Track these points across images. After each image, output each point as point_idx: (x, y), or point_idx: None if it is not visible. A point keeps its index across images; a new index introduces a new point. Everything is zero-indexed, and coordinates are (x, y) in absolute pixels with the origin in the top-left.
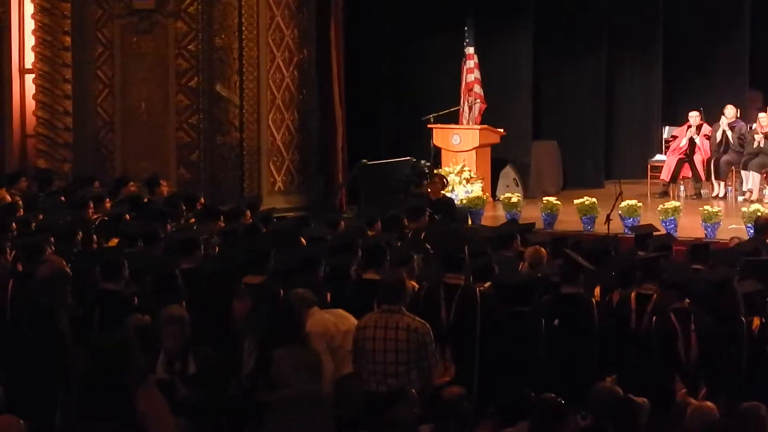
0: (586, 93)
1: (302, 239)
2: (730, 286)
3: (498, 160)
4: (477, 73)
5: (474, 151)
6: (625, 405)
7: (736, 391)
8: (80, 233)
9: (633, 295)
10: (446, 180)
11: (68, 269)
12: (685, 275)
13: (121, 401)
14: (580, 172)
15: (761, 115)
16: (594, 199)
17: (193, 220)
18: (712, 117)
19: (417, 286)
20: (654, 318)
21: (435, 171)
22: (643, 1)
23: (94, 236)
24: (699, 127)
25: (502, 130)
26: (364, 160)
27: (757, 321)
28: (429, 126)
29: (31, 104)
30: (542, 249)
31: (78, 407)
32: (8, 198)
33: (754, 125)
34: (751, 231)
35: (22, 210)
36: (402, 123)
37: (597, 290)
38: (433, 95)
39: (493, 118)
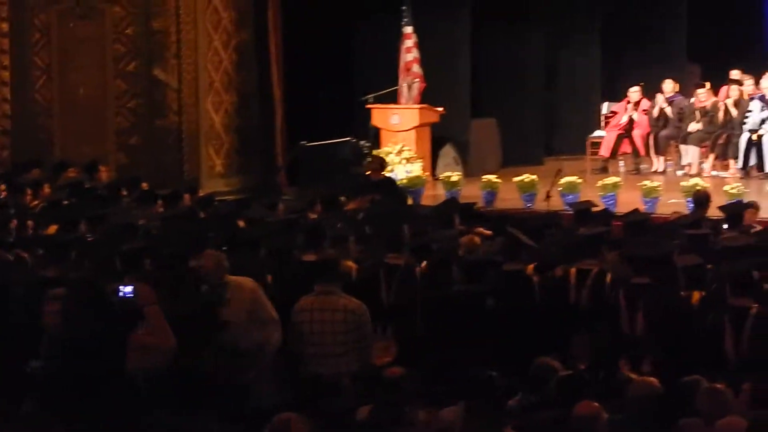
0: (526, 70)
1: (241, 222)
2: (670, 259)
3: (438, 139)
4: (416, 53)
5: (414, 131)
6: (566, 380)
7: (677, 365)
8: (15, 220)
9: (573, 270)
10: (385, 160)
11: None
12: (645, 249)
13: None
14: (520, 150)
15: (699, 90)
16: (534, 177)
17: (132, 204)
18: (652, 91)
19: (356, 266)
20: (599, 293)
21: (374, 152)
22: None
23: (34, 222)
24: (638, 103)
25: (441, 109)
26: (303, 142)
27: (696, 295)
28: (368, 106)
29: None
30: (476, 238)
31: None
32: None
33: (693, 99)
34: (691, 205)
35: None
36: (342, 103)
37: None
38: (373, 75)
39: (433, 96)
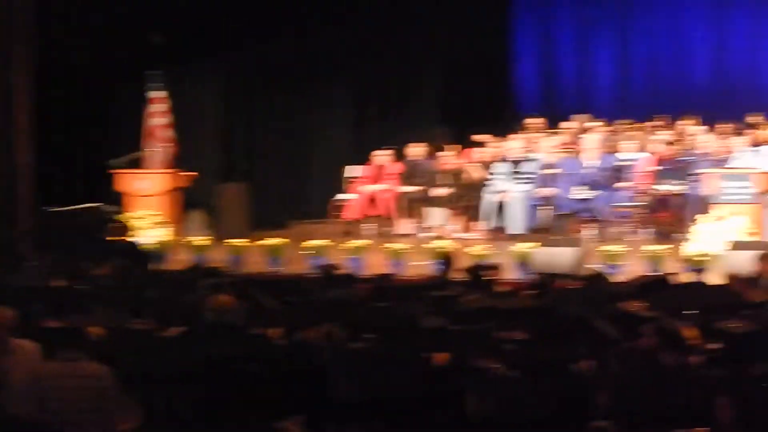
0: (276, 134)
1: None
2: (415, 321)
3: (187, 203)
4: (166, 117)
5: (162, 195)
6: None
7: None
8: None
9: (320, 333)
10: (126, 226)
11: None
12: (365, 312)
13: None
14: (268, 214)
15: (444, 152)
16: (281, 240)
17: None
18: (401, 154)
19: (100, 332)
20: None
21: (119, 216)
22: (333, 44)
23: None
24: (386, 166)
25: (192, 173)
26: (48, 207)
27: (440, 356)
28: (112, 171)
29: None
30: (227, 297)
31: None
32: None
33: (441, 161)
34: (436, 267)
35: None
36: (95, 169)
37: (278, 331)
38: (129, 140)
39: (184, 160)
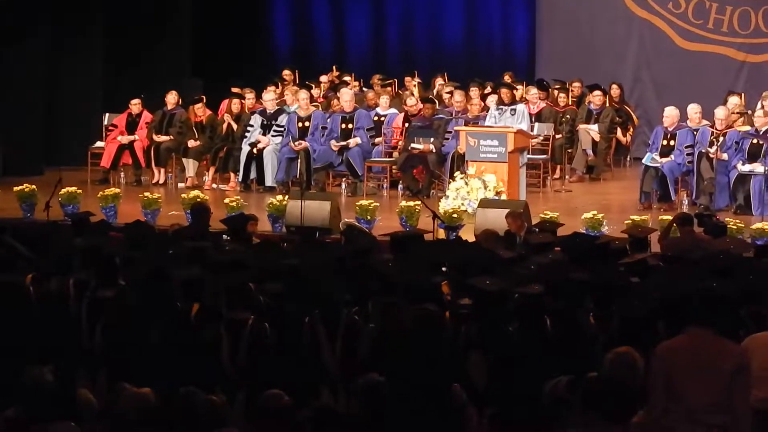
0: (25, 79)
1: None
2: (168, 271)
3: None
4: None
5: None
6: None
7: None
8: None
9: (71, 281)
10: None
11: None
12: (118, 261)
13: None
14: (20, 160)
15: (197, 105)
16: (33, 187)
17: None
18: (153, 103)
19: None
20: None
21: None
22: None
23: None
24: (142, 115)
25: None
26: None
27: (196, 307)
28: None
29: None
30: None
31: None
32: None
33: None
34: (191, 217)
35: None
36: None
37: (30, 277)
38: None
39: None
